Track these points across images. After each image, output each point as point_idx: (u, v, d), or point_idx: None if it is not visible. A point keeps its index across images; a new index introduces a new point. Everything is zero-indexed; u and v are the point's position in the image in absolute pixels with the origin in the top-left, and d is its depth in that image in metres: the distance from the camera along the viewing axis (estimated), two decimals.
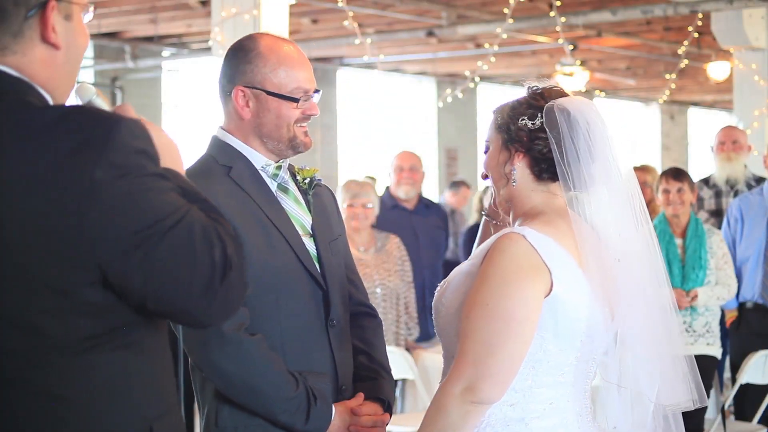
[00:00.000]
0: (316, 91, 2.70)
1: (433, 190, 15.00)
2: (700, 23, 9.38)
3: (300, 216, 2.69)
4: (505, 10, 8.88)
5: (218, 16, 6.99)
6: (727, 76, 11.33)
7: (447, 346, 2.44)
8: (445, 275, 2.54)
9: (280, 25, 6.89)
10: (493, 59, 9.58)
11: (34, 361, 1.66)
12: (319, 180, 2.78)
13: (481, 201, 9.38)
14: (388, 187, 6.87)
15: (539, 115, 2.40)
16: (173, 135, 1.89)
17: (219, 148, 2.69)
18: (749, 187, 6.59)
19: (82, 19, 1.81)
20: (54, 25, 1.74)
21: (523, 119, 2.40)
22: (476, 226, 8.54)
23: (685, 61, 10.19)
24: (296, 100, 2.62)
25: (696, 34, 9.87)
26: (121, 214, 1.63)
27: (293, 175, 2.76)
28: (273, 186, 2.68)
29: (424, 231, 6.70)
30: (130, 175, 1.64)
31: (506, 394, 2.31)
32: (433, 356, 5.53)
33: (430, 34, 10.83)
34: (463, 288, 2.37)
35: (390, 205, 6.61)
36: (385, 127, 15.71)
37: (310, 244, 2.68)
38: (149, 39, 12.07)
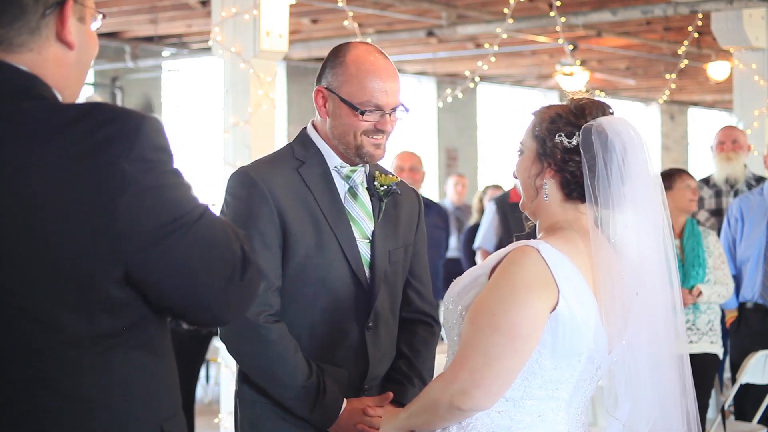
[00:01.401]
0: (403, 108, 2.78)
1: (433, 190, 15.00)
2: (700, 23, 9.38)
3: (362, 221, 2.76)
4: (505, 10, 8.87)
5: (218, 16, 6.98)
6: (727, 76, 11.32)
7: (450, 341, 2.46)
8: (447, 275, 2.55)
9: (280, 25, 6.89)
10: (493, 59, 9.58)
11: (56, 360, 1.66)
12: (397, 191, 2.82)
13: (480, 200, 9.38)
14: None
15: (577, 134, 2.37)
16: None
17: (301, 141, 2.79)
18: (749, 186, 6.59)
19: (92, 26, 1.83)
20: (69, 24, 1.75)
21: (560, 135, 2.38)
22: (476, 226, 8.53)
23: (685, 61, 10.18)
24: (362, 112, 2.69)
25: (696, 34, 9.87)
26: (148, 206, 1.65)
27: (372, 179, 2.81)
28: (344, 188, 2.76)
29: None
30: (156, 170, 1.67)
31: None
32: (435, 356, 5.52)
33: (430, 34, 10.82)
34: (471, 291, 2.37)
35: None
36: None
37: (365, 249, 2.75)
38: (149, 39, 12.07)
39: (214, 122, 11.36)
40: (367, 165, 2.80)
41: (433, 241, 6.79)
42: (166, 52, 12.67)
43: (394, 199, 2.81)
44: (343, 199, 2.75)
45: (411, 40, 12.20)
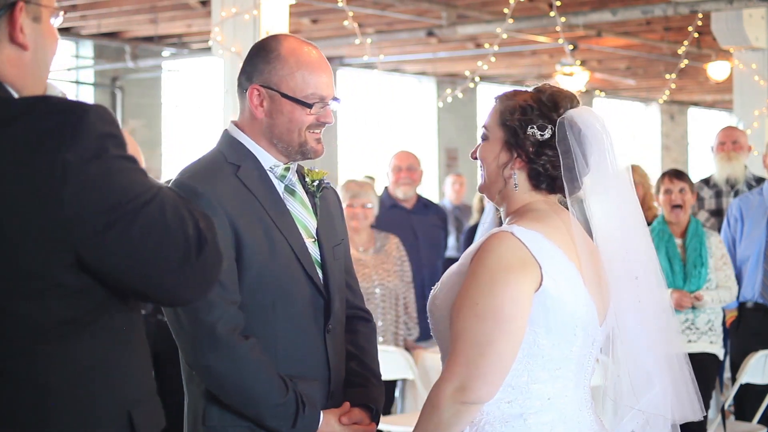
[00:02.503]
0: (335, 99, 2.68)
1: (433, 190, 15.00)
2: (700, 23, 9.38)
3: (305, 219, 2.68)
4: (505, 10, 8.87)
5: (218, 16, 6.98)
6: (727, 76, 11.33)
7: (443, 347, 2.45)
8: None
9: (280, 25, 6.89)
10: (493, 59, 9.58)
11: (15, 349, 1.68)
12: (328, 183, 2.76)
13: (481, 200, 9.38)
14: (386, 187, 6.87)
15: (549, 127, 2.39)
16: (133, 139, 1.93)
17: (229, 145, 2.66)
18: (749, 187, 6.59)
19: (52, 22, 1.83)
20: (22, 26, 1.76)
21: (533, 128, 2.39)
22: (476, 226, 8.53)
23: (685, 61, 10.18)
24: (310, 106, 2.61)
25: (696, 34, 9.87)
26: (93, 193, 1.66)
27: (302, 177, 2.74)
28: (280, 187, 2.66)
29: (423, 231, 6.69)
30: (101, 158, 1.68)
31: (503, 391, 2.32)
32: (433, 356, 5.53)
33: (430, 34, 10.83)
34: (455, 288, 2.37)
35: (389, 205, 6.61)
36: (385, 127, 15.71)
37: (313, 249, 2.66)
38: (149, 39, 12.07)
39: (214, 122, 11.37)
40: (296, 164, 2.72)
41: (432, 241, 6.79)
42: (166, 52, 12.67)
43: (322, 194, 2.75)
44: (283, 199, 2.66)
45: (411, 40, 12.21)
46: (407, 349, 5.77)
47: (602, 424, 2.44)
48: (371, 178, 10.71)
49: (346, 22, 8.81)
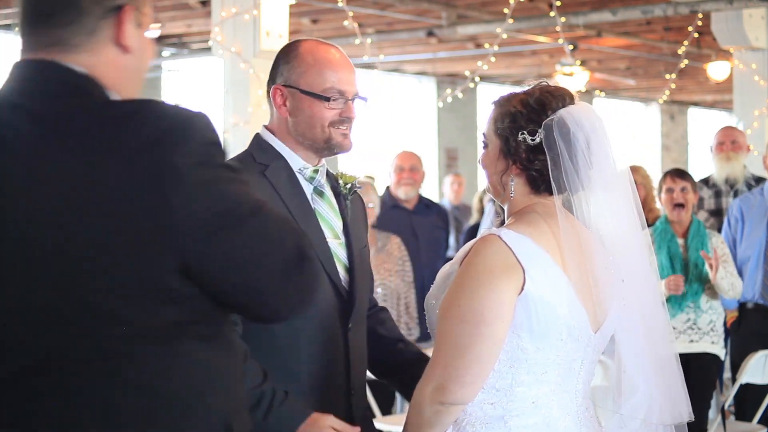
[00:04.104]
0: (361, 97, 2.70)
1: (433, 190, 15.00)
2: (700, 23, 9.38)
3: (332, 220, 2.70)
4: (505, 10, 8.88)
5: (218, 16, 6.98)
6: (727, 76, 11.33)
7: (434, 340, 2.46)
8: None
9: (280, 25, 6.89)
10: (493, 59, 9.58)
11: (122, 351, 1.67)
12: (359, 187, 2.79)
13: (480, 201, 9.38)
14: (388, 187, 6.87)
15: (539, 131, 2.37)
16: None
17: (259, 146, 2.71)
18: (749, 187, 6.59)
19: (147, 34, 1.85)
20: (127, 29, 1.77)
21: (523, 134, 2.38)
22: (476, 226, 8.53)
23: (685, 61, 10.18)
24: (327, 99, 2.63)
25: (696, 34, 9.87)
26: (201, 200, 1.66)
27: (334, 179, 2.76)
28: (309, 189, 2.69)
29: (424, 231, 6.70)
30: (208, 165, 1.68)
31: (487, 392, 2.33)
32: None
33: (430, 34, 10.83)
34: (445, 288, 2.39)
35: (390, 205, 6.62)
36: (385, 127, 15.71)
37: (340, 250, 2.68)
38: None
39: (215, 122, 11.35)
40: (326, 166, 2.74)
41: (433, 241, 6.80)
42: (166, 52, 12.66)
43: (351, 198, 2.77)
44: (310, 200, 2.68)
45: (411, 40, 12.20)
46: None
47: (600, 428, 2.44)
48: (371, 177, 10.71)
49: (346, 22, 8.81)
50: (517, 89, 2.50)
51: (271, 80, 2.72)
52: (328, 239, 2.66)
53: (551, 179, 2.37)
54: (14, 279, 1.67)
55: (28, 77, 1.76)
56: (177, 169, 1.64)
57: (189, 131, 1.68)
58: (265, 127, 2.75)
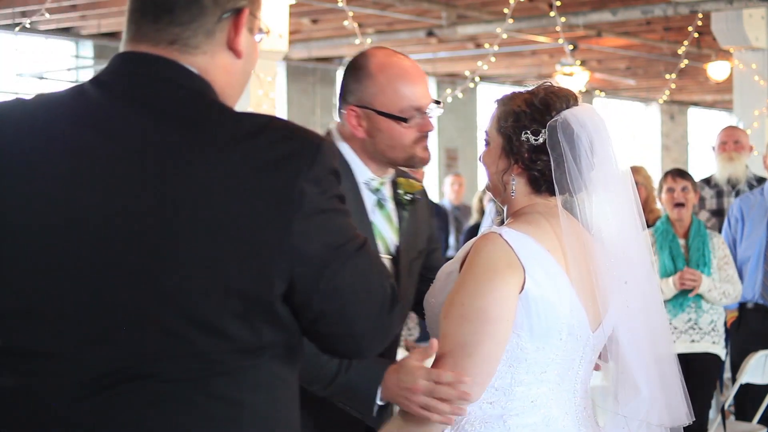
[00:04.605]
0: (435, 101, 2.61)
1: (433, 190, 15.01)
2: (700, 23, 9.38)
3: (387, 235, 2.65)
4: (505, 10, 8.88)
5: None
6: (727, 76, 11.33)
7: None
8: None
9: (280, 25, 6.89)
10: (493, 59, 9.58)
11: (218, 365, 1.65)
12: (420, 198, 2.73)
13: (480, 201, 9.39)
14: None
15: (542, 131, 2.37)
16: None
17: None
18: (751, 187, 6.60)
19: (256, 37, 1.80)
20: (242, 33, 1.72)
21: (526, 134, 2.37)
22: (476, 227, 8.53)
23: (685, 61, 10.19)
24: (406, 120, 2.55)
25: (696, 34, 9.88)
26: (320, 228, 1.64)
27: (394, 186, 2.70)
28: (371, 200, 2.64)
29: None
30: (328, 193, 1.66)
31: (486, 391, 2.33)
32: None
33: (430, 34, 10.83)
34: (446, 288, 2.38)
35: None
36: None
37: (389, 266, 2.62)
38: None
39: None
40: (389, 177, 2.69)
41: None
42: None
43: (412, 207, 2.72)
44: (370, 212, 2.63)
45: (411, 40, 12.21)
46: (407, 349, 5.77)
47: (599, 428, 2.44)
48: None
49: (346, 22, 8.82)
50: (518, 89, 2.50)
51: (342, 99, 2.62)
52: (381, 256, 2.59)
53: (553, 180, 2.36)
54: (120, 278, 1.61)
55: (147, 73, 1.68)
56: (304, 193, 1.61)
57: (318, 156, 1.64)
58: (339, 130, 2.66)
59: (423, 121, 2.58)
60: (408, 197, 2.69)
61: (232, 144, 1.62)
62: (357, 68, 2.60)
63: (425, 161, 2.62)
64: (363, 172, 2.63)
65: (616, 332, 2.42)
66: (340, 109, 2.63)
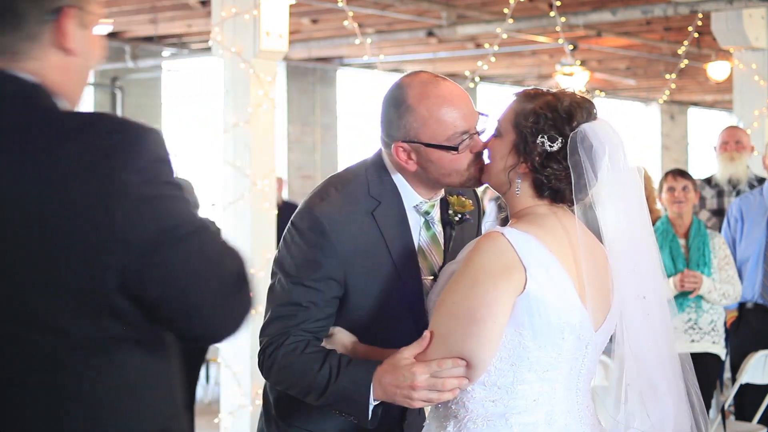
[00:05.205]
0: (483, 114, 2.56)
1: None
2: (700, 23, 9.38)
3: (431, 257, 2.64)
4: (505, 10, 8.87)
5: (218, 16, 6.98)
6: (727, 76, 11.33)
7: None
8: None
9: (280, 25, 6.89)
10: (493, 59, 9.58)
11: (66, 364, 1.68)
12: (468, 219, 2.70)
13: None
14: None
15: (559, 139, 2.36)
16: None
17: (377, 172, 2.61)
18: (751, 187, 6.61)
19: (96, 30, 1.82)
20: (70, 32, 1.74)
21: (543, 137, 2.36)
22: None
23: (685, 61, 10.18)
24: (456, 148, 2.49)
25: (696, 34, 9.87)
26: (143, 217, 1.66)
27: (444, 205, 2.68)
28: (419, 222, 2.62)
29: None
30: (155, 181, 1.67)
31: (488, 390, 2.35)
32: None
33: (430, 34, 10.82)
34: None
35: None
36: None
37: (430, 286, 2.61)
38: (149, 39, 12.07)
39: (214, 122, 11.37)
40: (439, 197, 2.66)
41: None
42: (166, 52, 12.66)
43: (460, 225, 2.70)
44: (417, 235, 2.61)
45: (411, 40, 12.20)
46: None
47: (600, 427, 2.45)
48: None
49: (346, 22, 8.81)
50: (517, 89, 2.50)
51: (386, 134, 2.57)
52: (423, 278, 2.60)
53: (572, 190, 2.35)
54: None
55: None
56: (124, 185, 1.64)
57: (139, 147, 1.67)
58: (390, 161, 2.60)
59: (473, 142, 2.53)
60: (458, 217, 2.67)
61: (56, 144, 1.65)
62: (397, 103, 2.54)
63: (481, 181, 2.55)
64: (412, 198, 2.61)
65: (631, 346, 2.41)
66: (386, 144, 2.58)
